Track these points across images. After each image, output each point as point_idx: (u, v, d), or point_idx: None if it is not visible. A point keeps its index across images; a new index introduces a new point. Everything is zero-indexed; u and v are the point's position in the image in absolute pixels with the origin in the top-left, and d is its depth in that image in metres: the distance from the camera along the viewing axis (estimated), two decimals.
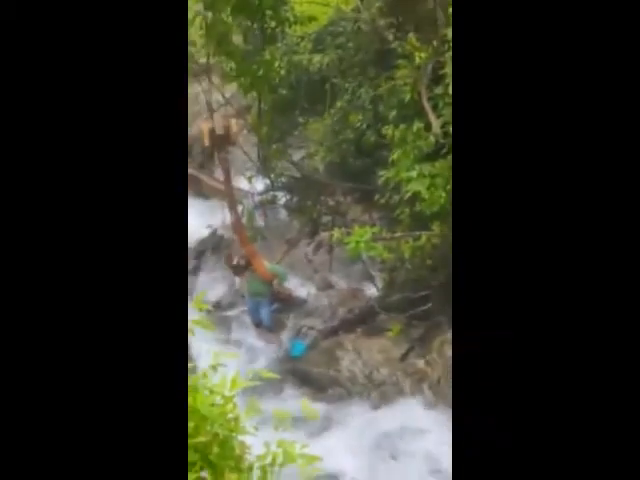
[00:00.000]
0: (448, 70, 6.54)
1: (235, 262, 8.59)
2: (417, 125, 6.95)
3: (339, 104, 8.78)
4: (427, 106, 7.14)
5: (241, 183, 10.27)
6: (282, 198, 10.56)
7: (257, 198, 10.52)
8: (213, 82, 8.95)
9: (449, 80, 6.50)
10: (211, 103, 8.38)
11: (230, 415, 2.56)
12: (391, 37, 8.04)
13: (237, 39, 8.85)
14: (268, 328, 8.78)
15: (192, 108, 11.84)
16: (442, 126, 6.86)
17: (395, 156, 6.97)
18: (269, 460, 2.55)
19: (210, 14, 7.91)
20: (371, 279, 9.04)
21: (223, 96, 9.55)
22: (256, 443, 2.60)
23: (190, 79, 10.33)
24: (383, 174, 7.15)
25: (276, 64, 8.94)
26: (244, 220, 9.28)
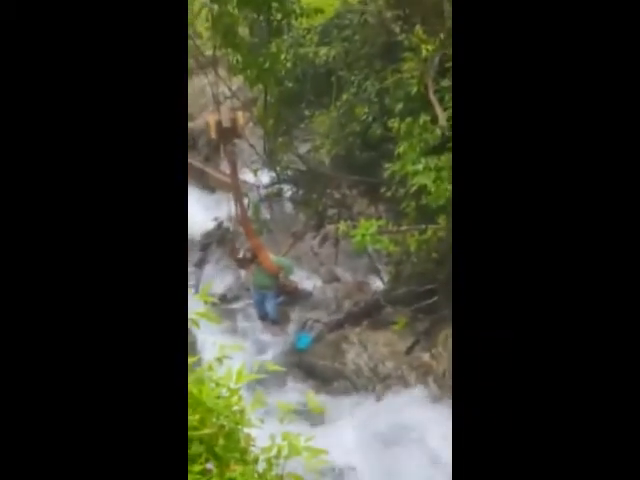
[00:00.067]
0: None
1: (241, 255, 8.60)
2: (423, 118, 6.93)
3: (345, 97, 8.73)
4: (433, 99, 7.12)
5: (247, 176, 10.25)
6: (288, 191, 10.57)
7: (263, 191, 10.53)
8: (219, 75, 8.95)
9: None
10: (217, 96, 8.37)
11: (235, 407, 2.57)
12: (398, 29, 7.99)
13: (243, 31, 8.82)
14: (274, 321, 8.81)
15: (198, 101, 11.91)
16: (448, 119, 6.83)
17: (401, 149, 6.94)
18: (274, 452, 2.56)
19: (216, 6, 7.90)
20: (377, 272, 9.04)
21: (229, 89, 9.53)
22: (261, 435, 2.61)
23: (196, 72, 10.45)
24: (389, 167, 7.13)
25: (282, 57, 8.90)
26: (250, 213, 9.27)
